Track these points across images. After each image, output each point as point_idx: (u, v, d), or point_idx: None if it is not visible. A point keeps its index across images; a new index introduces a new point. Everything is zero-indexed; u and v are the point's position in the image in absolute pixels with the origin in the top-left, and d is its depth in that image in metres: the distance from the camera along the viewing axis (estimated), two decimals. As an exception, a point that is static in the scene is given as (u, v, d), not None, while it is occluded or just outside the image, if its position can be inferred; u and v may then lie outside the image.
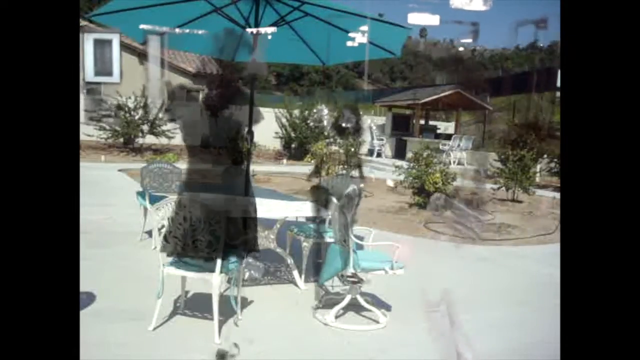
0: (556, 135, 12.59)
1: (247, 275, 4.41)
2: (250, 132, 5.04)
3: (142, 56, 21.05)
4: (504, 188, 10.41)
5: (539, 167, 13.01)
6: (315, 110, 16.75)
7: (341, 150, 11.22)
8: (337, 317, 3.79)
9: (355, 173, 10.40)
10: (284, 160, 17.15)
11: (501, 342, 3.74)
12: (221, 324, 3.43)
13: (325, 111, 16.34)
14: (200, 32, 4.68)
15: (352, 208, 4.21)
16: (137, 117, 16.56)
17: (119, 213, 7.06)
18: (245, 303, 3.93)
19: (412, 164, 8.97)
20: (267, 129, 17.44)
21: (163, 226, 3.36)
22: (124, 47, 20.47)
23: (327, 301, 4.06)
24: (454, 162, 17.63)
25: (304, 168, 11.93)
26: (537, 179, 12.69)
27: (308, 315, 3.90)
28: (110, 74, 3.01)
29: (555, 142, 12.41)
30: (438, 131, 22.07)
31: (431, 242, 6.87)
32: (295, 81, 40.53)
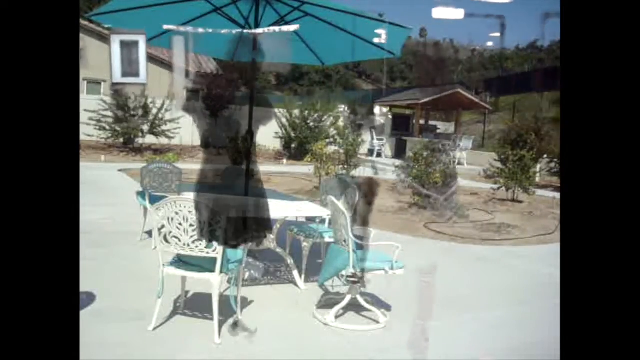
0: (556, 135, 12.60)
1: (247, 275, 4.42)
2: (250, 132, 5.04)
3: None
4: (504, 188, 10.41)
5: (539, 167, 13.01)
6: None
7: (341, 150, 11.22)
8: (337, 317, 3.79)
9: (355, 173, 10.39)
10: (284, 160, 17.16)
11: (501, 342, 3.74)
12: (221, 324, 3.43)
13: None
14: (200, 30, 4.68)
15: (352, 208, 4.21)
16: (137, 117, 16.56)
17: (119, 213, 7.06)
18: (245, 303, 3.93)
19: (412, 164, 8.97)
20: (267, 129, 17.46)
21: (163, 226, 3.36)
22: (124, 47, 20.50)
23: (327, 301, 4.06)
24: (454, 162, 17.63)
25: (304, 168, 11.93)
26: (537, 179, 12.70)
27: (308, 315, 3.90)
28: (137, 75, 3.03)
29: (555, 142, 12.42)
30: (438, 131, 22.08)
31: (431, 242, 6.87)
32: (295, 81, 40.51)
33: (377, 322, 3.81)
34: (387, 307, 4.08)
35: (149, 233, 5.40)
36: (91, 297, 3.84)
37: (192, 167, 13.16)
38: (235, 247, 3.67)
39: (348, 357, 3.39)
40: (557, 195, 10.85)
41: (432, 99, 20.48)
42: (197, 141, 19.83)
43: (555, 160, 13.37)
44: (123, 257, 5.10)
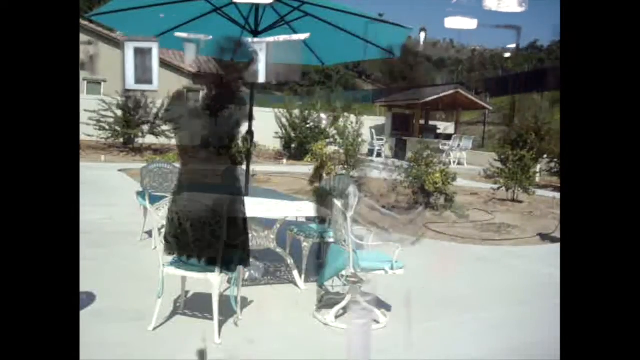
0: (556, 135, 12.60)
1: (247, 275, 4.41)
2: (251, 132, 5.04)
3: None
4: (504, 188, 10.41)
5: (539, 167, 13.01)
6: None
7: (341, 150, 11.22)
8: (337, 317, 3.79)
9: (355, 173, 10.40)
10: (284, 160, 17.16)
11: (501, 342, 3.74)
12: (221, 324, 3.43)
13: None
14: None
15: (352, 208, 4.21)
16: (137, 117, 16.56)
17: (119, 213, 7.06)
18: (245, 303, 3.93)
19: (412, 164, 8.97)
20: (267, 129, 17.45)
21: (163, 226, 3.36)
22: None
23: (327, 301, 4.06)
24: (454, 162, 17.64)
25: (304, 168, 11.93)
26: (537, 179, 12.69)
27: (308, 315, 3.90)
28: (150, 82, 3.08)
29: (555, 142, 12.41)
30: (438, 131, 22.08)
31: (431, 242, 6.87)
32: (295, 81, 40.51)
33: (377, 322, 3.81)
34: (387, 307, 4.08)
35: (149, 233, 5.40)
36: (91, 297, 3.83)
37: (192, 167, 13.15)
38: (235, 247, 3.67)
39: (348, 357, 3.39)
40: (557, 195, 10.85)
41: (432, 99, 20.48)
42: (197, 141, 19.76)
43: (555, 160, 13.37)
44: (123, 257, 5.10)
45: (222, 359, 3.16)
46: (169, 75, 21.42)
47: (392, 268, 3.78)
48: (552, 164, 13.64)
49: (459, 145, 19.01)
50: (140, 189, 5.78)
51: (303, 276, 4.56)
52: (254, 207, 4.54)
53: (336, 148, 12.02)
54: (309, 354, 3.35)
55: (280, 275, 4.74)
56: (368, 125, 19.67)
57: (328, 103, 19.12)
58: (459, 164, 17.92)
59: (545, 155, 13.26)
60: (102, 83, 20.37)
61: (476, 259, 6.17)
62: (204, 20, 4.91)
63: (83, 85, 19.93)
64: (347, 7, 4.49)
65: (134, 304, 3.81)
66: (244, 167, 5.34)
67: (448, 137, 20.08)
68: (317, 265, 4.62)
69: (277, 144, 18.91)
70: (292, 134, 18.02)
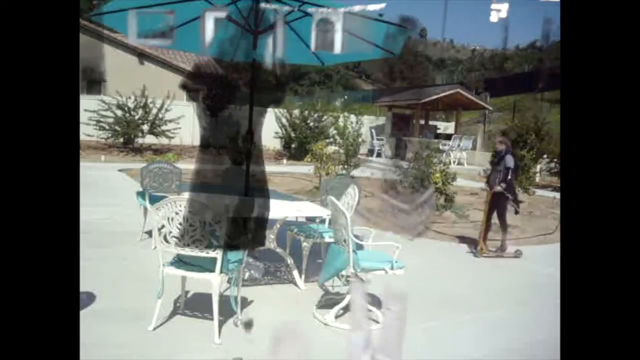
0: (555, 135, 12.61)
1: (247, 275, 4.42)
2: (250, 132, 5.03)
3: (143, 56, 21.08)
4: (504, 188, 10.41)
5: (539, 167, 13.02)
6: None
7: (341, 151, 11.22)
8: (337, 317, 3.79)
9: (355, 173, 10.39)
10: (284, 160, 17.16)
11: (501, 342, 3.74)
12: (221, 324, 3.42)
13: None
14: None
15: (352, 208, 4.21)
16: (137, 117, 16.57)
17: (119, 213, 7.06)
18: (245, 303, 3.93)
19: (412, 164, 8.97)
20: (267, 129, 17.45)
21: (163, 226, 3.36)
22: (124, 47, 20.55)
23: (327, 301, 4.06)
24: (454, 162, 17.64)
25: (304, 168, 11.93)
26: (537, 179, 12.70)
27: (308, 315, 3.90)
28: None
29: (555, 142, 12.42)
30: (438, 131, 22.08)
31: (431, 242, 6.87)
32: (295, 81, 40.56)
33: (377, 322, 3.81)
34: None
35: (149, 233, 5.40)
36: (91, 297, 3.84)
37: (192, 167, 13.16)
38: (235, 247, 3.67)
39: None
40: (557, 195, 10.85)
41: (432, 99, 20.47)
42: (197, 141, 19.81)
43: (555, 160, 13.38)
44: (123, 257, 5.10)
45: (222, 359, 3.16)
46: (169, 75, 21.45)
47: (392, 268, 3.78)
48: (552, 164, 13.66)
49: (459, 145, 19.01)
50: (140, 189, 5.78)
51: (303, 276, 4.56)
52: (254, 207, 4.55)
53: (336, 148, 12.01)
54: (309, 354, 3.35)
55: (280, 275, 4.74)
56: (368, 125, 19.68)
57: (328, 103, 19.13)
58: (459, 164, 17.92)
59: (545, 155, 13.27)
60: (102, 83, 20.37)
61: (476, 259, 6.17)
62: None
63: (83, 85, 19.93)
64: (347, 7, 4.49)
65: (134, 304, 3.81)
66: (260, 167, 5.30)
67: (448, 137, 20.08)
68: (317, 265, 4.62)
69: (277, 144, 18.92)
70: (292, 134, 18.02)
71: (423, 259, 5.72)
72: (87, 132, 15.13)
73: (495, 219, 6.48)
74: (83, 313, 3.49)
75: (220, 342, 3.29)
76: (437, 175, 8.49)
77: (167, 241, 3.38)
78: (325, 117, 18.06)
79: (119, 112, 16.29)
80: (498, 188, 6.15)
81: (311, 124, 17.87)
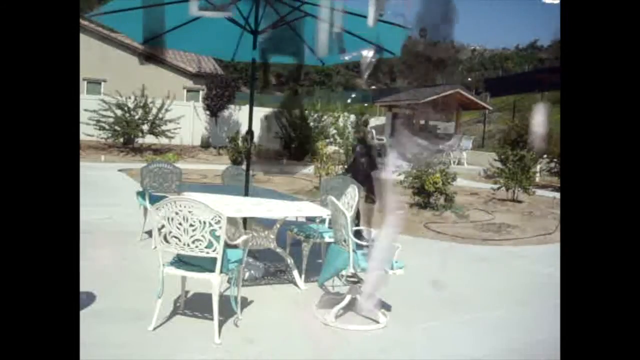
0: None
1: (247, 275, 4.41)
2: (251, 132, 5.04)
3: (142, 56, 21.07)
4: (504, 188, 10.41)
5: (539, 167, 13.01)
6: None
7: (341, 151, 11.22)
8: (337, 317, 3.79)
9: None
10: (284, 160, 17.16)
11: (501, 342, 3.74)
12: (221, 324, 3.42)
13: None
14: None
15: (352, 208, 4.21)
16: (137, 117, 16.57)
17: (119, 213, 7.06)
18: (245, 303, 3.93)
19: (412, 164, 8.97)
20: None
21: (163, 226, 3.36)
22: (124, 47, 20.53)
23: (327, 301, 4.06)
24: (454, 162, 17.64)
25: (304, 168, 11.93)
26: (537, 179, 12.69)
27: (308, 315, 3.90)
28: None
29: (555, 142, 12.41)
30: (438, 131, 22.07)
31: (431, 242, 6.87)
32: (295, 81, 40.53)
33: (377, 322, 3.81)
34: (387, 307, 4.08)
35: (149, 233, 5.40)
36: (91, 297, 3.83)
37: (193, 167, 13.17)
38: (235, 247, 3.67)
39: (348, 357, 3.39)
40: (557, 195, 10.85)
41: (432, 99, 20.48)
42: (197, 141, 19.83)
43: (555, 160, 13.38)
44: (123, 257, 5.10)
45: (222, 359, 3.16)
46: (169, 75, 21.44)
47: (392, 268, 3.78)
48: (552, 164, 13.65)
49: (459, 145, 19.01)
50: (140, 189, 5.78)
51: (303, 276, 4.56)
52: (254, 207, 4.55)
53: (336, 148, 12.01)
54: (309, 354, 3.35)
55: (280, 275, 4.74)
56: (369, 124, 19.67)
57: (328, 103, 19.12)
58: (459, 164, 17.92)
59: (545, 155, 13.26)
60: (102, 83, 20.37)
61: (476, 259, 6.16)
62: (204, 20, 4.90)
63: (83, 85, 19.93)
64: (347, 7, 4.49)
65: (134, 304, 3.81)
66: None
67: (448, 137, 20.07)
68: (317, 265, 4.62)
69: (277, 144, 18.91)
70: (292, 134, 18.02)
71: (423, 259, 5.72)
72: (87, 132, 15.13)
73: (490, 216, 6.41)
74: (83, 313, 3.49)
75: (220, 342, 3.29)
76: (437, 175, 8.49)
77: (167, 241, 3.37)
78: (325, 117, 18.06)
79: (119, 112, 16.30)
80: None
81: (311, 124, 17.87)
